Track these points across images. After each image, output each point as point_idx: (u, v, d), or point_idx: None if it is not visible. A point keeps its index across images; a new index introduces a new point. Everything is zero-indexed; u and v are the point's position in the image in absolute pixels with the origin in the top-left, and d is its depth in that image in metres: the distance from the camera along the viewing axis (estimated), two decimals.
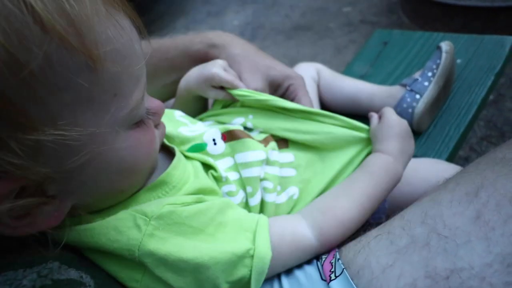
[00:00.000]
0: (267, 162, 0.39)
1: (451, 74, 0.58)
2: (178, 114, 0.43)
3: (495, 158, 0.29)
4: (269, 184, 0.38)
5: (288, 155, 0.41)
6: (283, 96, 0.49)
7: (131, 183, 0.28)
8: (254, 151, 0.38)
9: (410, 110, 0.55)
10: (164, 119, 0.35)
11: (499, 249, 0.23)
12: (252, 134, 0.42)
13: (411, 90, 0.56)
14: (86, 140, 0.22)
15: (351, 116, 0.64)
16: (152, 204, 0.28)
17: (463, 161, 0.95)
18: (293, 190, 0.40)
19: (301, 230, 0.32)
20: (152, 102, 0.29)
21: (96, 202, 0.27)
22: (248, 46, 0.49)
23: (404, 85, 0.57)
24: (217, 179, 0.36)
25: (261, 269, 0.29)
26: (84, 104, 0.21)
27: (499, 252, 0.23)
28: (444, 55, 0.56)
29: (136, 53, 0.24)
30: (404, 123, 0.42)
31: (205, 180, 0.34)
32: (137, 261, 0.26)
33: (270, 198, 0.38)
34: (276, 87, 0.48)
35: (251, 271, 0.28)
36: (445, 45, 0.57)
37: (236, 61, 0.47)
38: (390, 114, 0.42)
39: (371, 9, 1.59)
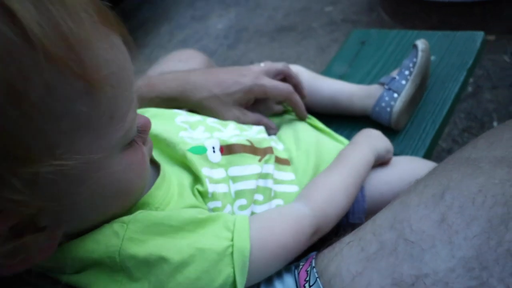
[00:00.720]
0: (261, 175, 0.39)
1: (427, 72, 0.59)
2: (179, 119, 0.43)
3: (461, 158, 0.29)
4: (259, 197, 0.39)
5: (288, 174, 0.43)
6: (258, 100, 0.51)
7: (124, 204, 0.28)
8: (250, 165, 0.39)
9: (388, 109, 0.56)
10: (164, 124, 0.35)
11: (462, 253, 0.22)
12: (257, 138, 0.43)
13: (389, 89, 0.57)
14: (82, 168, 0.21)
15: (331, 117, 0.66)
16: (125, 214, 0.28)
17: (446, 153, 0.97)
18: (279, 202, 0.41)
19: (288, 205, 0.35)
20: (139, 119, 0.29)
21: (86, 225, 0.27)
22: (200, 80, 0.49)
23: (383, 84, 0.58)
24: (203, 195, 0.35)
25: (242, 262, 0.28)
26: (82, 130, 0.21)
27: (462, 256, 0.22)
28: (420, 53, 0.57)
29: (130, 75, 0.24)
30: (372, 131, 0.49)
31: (189, 199, 0.34)
32: (119, 267, 0.26)
33: (259, 210, 0.38)
34: (247, 101, 0.50)
35: (234, 268, 0.28)
36: (421, 44, 0.58)
37: (202, 106, 0.48)
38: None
39: (352, 8, 1.61)
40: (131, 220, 0.27)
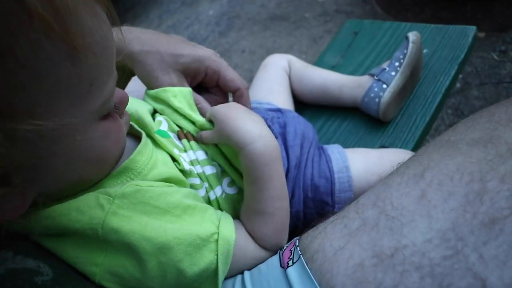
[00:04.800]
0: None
1: (418, 64, 0.59)
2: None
3: (441, 141, 0.30)
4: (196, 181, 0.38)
5: (200, 152, 0.39)
6: (204, 82, 0.46)
7: (98, 171, 0.29)
8: (200, 151, 0.39)
9: (377, 100, 0.56)
10: (138, 104, 0.35)
11: (439, 226, 0.24)
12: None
13: (379, 80, 0.56)
14: (59, 130, 0.22)
15: (322, 107, 0.65)
16: (115, 186, 0.28)
17: None
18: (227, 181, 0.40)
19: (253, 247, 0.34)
20: (117, 92, 0.29)
21: (60, 191, 0.27)
22: (147, 36, 0.43)
23: (373, 75, 0.58)
24: (182, 172, 0.35)
25: (226, 251, 0.29)
26: (62, 93, 0.21)
27: (439, 228, 0.24)
28: (410, 45, 0.56)
29: (112, 45, 0.25)
30: (224, 104, 0.39)
31: (174, 170, 0.34)
32: (101, 239, 0.26)
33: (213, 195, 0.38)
34: (193, 74, 0.44)
35: (217, 256, 0.29)
36: (412, 36, 0.57)
37: (138, 60, 0.41)
38: (210, 111, 0.39)
39: None
40: (118, 195, 0.27)
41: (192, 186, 0.35)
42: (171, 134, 0.38)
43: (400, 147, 0.55)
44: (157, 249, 0.27)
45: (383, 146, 0.56)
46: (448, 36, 0.65)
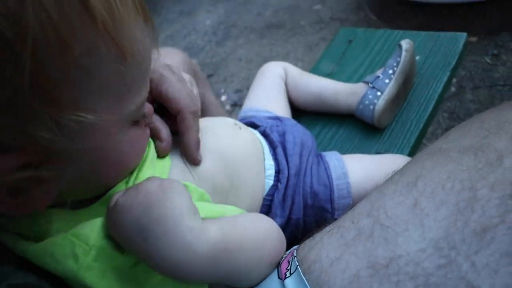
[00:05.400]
0: None
1: (411, 71, 0.60)
2: None
3: (434, 149, 0.30)
4: None
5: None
6: (153, 97, 0.36)
7: (117, 177, 0.30)
8: None
9: (371, 107, 0.57)
10: None
11: (432, 234, 0.24)
12: None
13: (373, 87, 0.57)
14: (95, 128, 0.23)
15: (318, 114, 0.66)
16: (92, 228, 0.26)
17: None
18: None
19: None
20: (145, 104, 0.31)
21: (75, 192, 0.28)
22: None
23: (367, 82, 0.59)
24: None
25: None
26: (105, 94, 0.23)
27: (432, 237, 0.24)
28: (403, 53, 0.58)
29: (150, 57, 0.27)
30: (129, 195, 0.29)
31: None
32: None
33: None
34: None
35: None
36: (405, 44, 0.59)
37: None
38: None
39: (340, 6, 1.62)
40: (95, 245, 0.25)
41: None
42: None
43: (396, 154, 0.56)
44: None
45: (379, 153, 0.57)
46: (439, 43, 0.66)
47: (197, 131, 0.36)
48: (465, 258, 0.22)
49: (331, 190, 0.45)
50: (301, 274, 0.27)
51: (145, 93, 0.27)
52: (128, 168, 0.30)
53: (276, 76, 0.64)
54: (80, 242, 0.25)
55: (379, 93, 0.57)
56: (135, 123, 0.28)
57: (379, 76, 0.58)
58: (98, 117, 0.23)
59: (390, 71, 0.58)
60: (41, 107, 0.20)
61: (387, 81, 0.57)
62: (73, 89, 0.21)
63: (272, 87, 0.63)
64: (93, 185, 0.28)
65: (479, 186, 0.24)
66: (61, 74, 0.21)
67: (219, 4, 2.02)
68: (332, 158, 0.49)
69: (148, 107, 0.32)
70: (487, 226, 0.22)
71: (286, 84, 0.65)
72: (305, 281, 0.27)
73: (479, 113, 0.33)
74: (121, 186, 0.30)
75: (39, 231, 0.26)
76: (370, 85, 0.58)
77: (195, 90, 0.40)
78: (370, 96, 0.57)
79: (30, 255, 0.25)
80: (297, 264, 0.29)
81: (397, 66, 0.57)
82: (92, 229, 0.26)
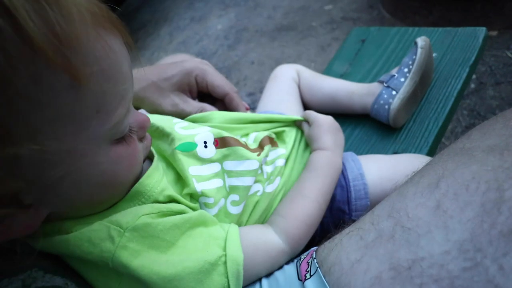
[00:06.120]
0: (262, 166, 0.39)
1: (428, 69, 0.58)
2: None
3: (456, 149, 0.29)
4: (258, 187, 0.39)
5: (281, 149, 0.45)
6: (199, 89, 0.48)
7: (111, 195, 0.29)
8: (247, 160, 0.38)
9: (386, 107, 0.55)
10: (164, 120, 0.35)
11: (457, 236, 0.23)
12: (248, 141, 0.42)
13: (388, 87, 0.56)
14: (64, 155, 0.22)
15: (333, 115, 0.65)
16: (127, 214, 0.28)
17: None
18: (278, 181, 0.42)
19: (271, 238, 0.34)
20: (137, 116, 0.29)
21: (74, 211, 0.28)
22: (138, 74, 0.42)
23: (382, 82, 0.58)
24: (192, 196, 0.35)
25: (236, 271, 0.29)
26: (65, 120, 0.22)
27: (456, 239, 0.23)
28: (419, 50, 0.56)
29: (123, 72, 0.25)
30: (329, 119, 0.47)
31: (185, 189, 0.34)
32: (113, 271, 0.27)
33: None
34: (188, 88, 0.47)
35: (228, 277, 0.29)
36: (420, 41, 0.57)
37: (141, 98, 0.44)
38: (314, 116, 0.47)
39: (352, 6, 1.60)
40: (129, 228, 0.27)
41: (204, 205, 0.35)
42: (199, 143, 0.37)
43: (414, 153, 0.54)
44: (168, 281, 0.27)
45: (396, 153, 0.56)
46: (457, 39, 0.64)
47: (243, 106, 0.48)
48: (492, 261, 0.21)
49: (348, 191, 0.45)
50: (321, 275, 0.27)
51: (123, 109, 0.25)
52: (119, 186, 0.29)
53: (289, 78, 0.64)
54: (114, 225, 0.27)
55: (394, 93, 0.55)
56: (119, 140, 0.26)
57: (394, 75, 0.57)
58: (62, 146, 0.22)
59: (406, 70, 0.57)
60: None
61: (402, 79, 0.56)
62: (22, 122, 0.20)
63: (285, 89, 0.63)
64: (89, 205, 0.28)
65: (506, 186, 0.23)
66: (5, 109, 0.19)
67: (230, 8, 2.04)
68: (349, 159, 0.49)
69: (142, 120, 0.30)
70: None
71: (299, 86, 0.65)
72: (326, 283, 0.27)
73: (503, 111, 0.32)
74: (122, 206, 0.29)
75: (65, 230, 0.28)
76: (385, 85, 0.57)
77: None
78: (385, 96, 0.56)
79: (65, 244, 0.26)
80: (316, 266, 0.29)
81: (412, 64, 0.56)
82: (123, 215, 0.28)
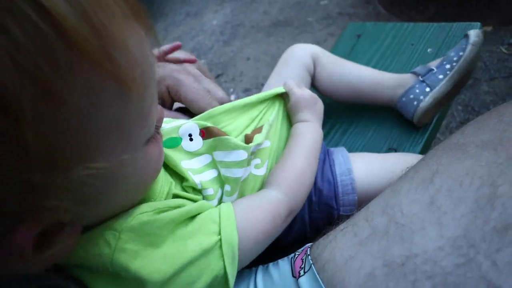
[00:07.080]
0: (250, 161, 0.39)
1: (471, 69, 0.50)
2: None
3: (450, 144, 0.29)
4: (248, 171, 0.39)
5: (266, 142, 0.44)
6: (175, 100, 0.43)
7: (136, 199, 0.28)
8: (234, 151, 0.36)
9: (415, 103, 0.50)
10: None
11: (450, 233, 0.23)
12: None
13: (423, 81, 0.50)
14: (114, 167, 0.21)
15: (328, 110, 0.63)
16: (121, 217, 0.27)
17: None
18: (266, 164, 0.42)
19: (265, 193, 0.36)
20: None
21: (99, 218, 0.26)
22: None
23: (417, 74, 0.51)
24: (193, 189, 0.34)
25: (232, 254, 0.29)
26: (112, 132, 0.20)
27: (450, 236, 0.23)
28: (469, 47, 0.48)
29: (155, 70, 0.23)
30: (306, 94, 0.46)
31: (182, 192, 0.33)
32: (114, 274, 0.26)
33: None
34: (160, 97, 0.42)
35: (224, 261, 0.29)
36: (473, 36, 0.48)
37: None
38: (292, 93, 0.46)
39: (348, 1, 1.60)
40: (124, 229, 0.26)
41: (205, 198, 0.35)
42: (184, 137, 0.36)
43: (408, 150, 0.54)
44: (169, 277, 0.26)
45: (391, 148, 0.56)
46: (452, 34, 0.64)
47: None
48: (485, 257, 0.21)
49: (335, 186, 0.45)
50: (315, 273, 0.27)
51: (155, 109, 0.24)
52: (148, 186, 0.28)
53: (301, 66, 0.56)
54: (108, 229, 0.26)
55: (428, 89, 0.49)
56: (149, 140, 0.25)
57: (432, 70, 0.49)
58: (112, 160, 0.21)
59: (448, 66, 0.49)
60: (43, 175, 0.17)
61: (441, 76, 0.49)
62: (73, 142, 0.18)
63: (291, 78, 0.53)
64: (114, 212, 0.27)
65: (500, 182, 0.23)
66: (54, 130, 0.17)
67: (226, 3, 2.02)
68: (338, 154, 0.49)
69: (160, 112, 0.28)
70: (508, 224, 0.22)
71: (315, 72, 0.57)
72: (320, 280, 0.27)
73: (496, 106, 0.32)
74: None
75: None
76: (420, 79, 0.50)
77: (211, 83, 0.44)
78: (417, 91, 0.50)
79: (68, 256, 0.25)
80: (311, 262, 0.29)
81: (457, 61, 0.48)
82: (117, 218, 0.27)
